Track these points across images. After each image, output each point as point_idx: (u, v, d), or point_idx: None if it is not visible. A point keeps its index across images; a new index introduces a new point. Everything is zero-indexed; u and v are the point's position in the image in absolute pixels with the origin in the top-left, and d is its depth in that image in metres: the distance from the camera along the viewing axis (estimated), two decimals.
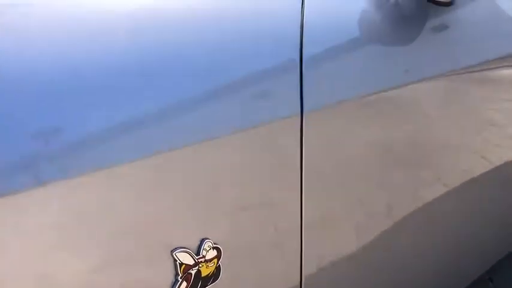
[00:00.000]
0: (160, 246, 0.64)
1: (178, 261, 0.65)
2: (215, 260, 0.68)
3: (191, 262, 0.66)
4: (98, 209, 0.59)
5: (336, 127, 0.72)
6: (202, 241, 0.67)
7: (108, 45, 0.61)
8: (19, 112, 0.55)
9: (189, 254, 0.66)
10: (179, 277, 0.66)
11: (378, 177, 0.80)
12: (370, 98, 0.74)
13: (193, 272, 0.67)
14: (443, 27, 0.84)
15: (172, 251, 0.65)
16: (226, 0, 0.70)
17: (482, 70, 0.92)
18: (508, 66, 1.00)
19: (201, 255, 0.67)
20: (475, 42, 0.90)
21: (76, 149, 0.56)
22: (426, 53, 0.79)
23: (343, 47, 0.72)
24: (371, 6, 0.75)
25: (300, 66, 0.68)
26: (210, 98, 0.63)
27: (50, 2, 0.66)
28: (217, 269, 0.68)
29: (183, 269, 0.66)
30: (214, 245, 0.67)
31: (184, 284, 0.66)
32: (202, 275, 0.68)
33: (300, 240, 0.73)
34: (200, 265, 0.67)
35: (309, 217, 0.73)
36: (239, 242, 0.70)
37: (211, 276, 0.69)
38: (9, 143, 0.54)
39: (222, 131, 0.64)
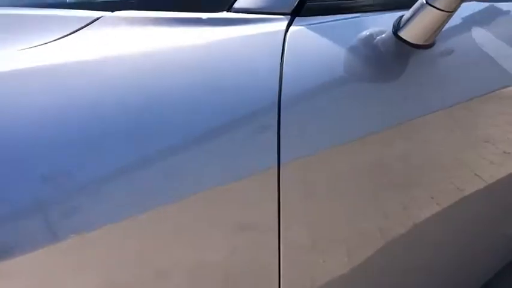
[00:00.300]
0: None
1: None
2: None
3: None
4: (82, 266, 0.59)
5: (314, 177, 0.72)
6: None
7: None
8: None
9: None
10: None
11: (362, 224, 0.79)
12: (352, 144, 0.74)
13: None
14: (425, 66, 0.84)
15: None
16: (199, 49, 0.70)
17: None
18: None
19: None
20: (459, 79, 0.90)
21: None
22: (407, 96, 0.79)
23: (323, 95, 0.72)
24: (351, 53, 0.75)
25: (278, 116, 0.68)
26: (186, 151, 0.63)
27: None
28: None
29: None
30: None
31: None
32: None
33: None
34: None
35: (289, 270, 0.73)
36: None
37: None
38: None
39: (196, 188, 0.64)
